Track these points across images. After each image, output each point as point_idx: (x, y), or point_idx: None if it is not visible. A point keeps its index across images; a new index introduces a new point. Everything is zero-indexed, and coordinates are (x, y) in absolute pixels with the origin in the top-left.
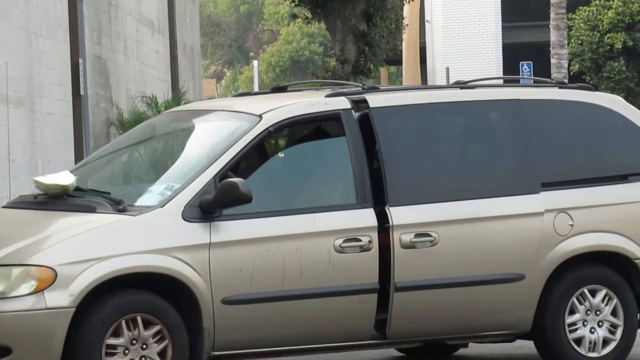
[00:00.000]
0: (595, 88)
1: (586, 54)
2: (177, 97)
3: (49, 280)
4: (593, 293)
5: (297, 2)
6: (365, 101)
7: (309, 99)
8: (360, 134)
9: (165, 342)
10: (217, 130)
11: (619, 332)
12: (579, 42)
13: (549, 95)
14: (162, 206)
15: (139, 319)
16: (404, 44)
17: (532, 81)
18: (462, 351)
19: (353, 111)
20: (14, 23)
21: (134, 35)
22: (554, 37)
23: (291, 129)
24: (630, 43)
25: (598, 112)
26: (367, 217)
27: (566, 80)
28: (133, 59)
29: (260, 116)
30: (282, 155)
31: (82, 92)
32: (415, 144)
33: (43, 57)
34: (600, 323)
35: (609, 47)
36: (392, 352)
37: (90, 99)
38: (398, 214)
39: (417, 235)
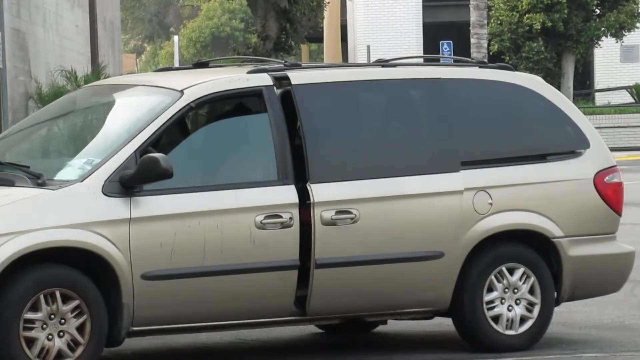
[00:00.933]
0: (515, 68)
1: (505, 34)
2: (96, 71)
3: None
4: (511, 271)
5: None
6: (287, 78)
7: (230, 75)
8: (282, 110)
9: (84, 317)
10: (138, 105)
11: (536, 310)
12: (499, 22)
13: (469, 74)
14: (82, 180)
15: (58, 294)
16: (325, 21)
17: (453, 60)
18: (380, 328)
19: (275, 88)
20: None
21: (53, 8)
22: (473, 16)
23: (213, 105)
24: (549, 24)
25: (518, 92)
26: (288, 193)
27: (486, 60)
28: (52, 32)
29: (181, 91)
30: (204, 131)
31: (0, 66)
32: (337, 121)
33: None
34: (518, 301)
35: (528, 28)
36: (312, 328)
37: (9, 72)
38: (319, 191)
39: (338, 212)
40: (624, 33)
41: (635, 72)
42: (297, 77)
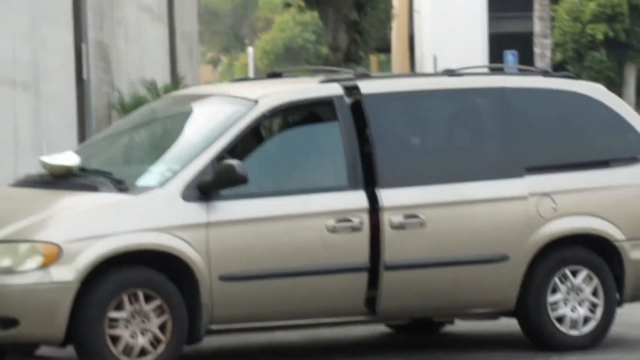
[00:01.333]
0: (578, 77)
1: (569, 44)
2: (175, 82)
3: (55, 256)
4: (574, 273)
5: None
6: (357, 88)
7: (303, 85)
8: (352, 119)
9: (165, 316)
10: (215, 114)
11: (599, 312)
12: (562, 32)
13: (533, 83)
14: (162, 186)
15: (140, 294)
16: (393, 33)
17: (517, 70)
18: (448, 328)
19: (345, 97)
20: (20, 9)
21: (134, 22)
22: (537, 27)
23: (286, 114)
24: (611, 34)
25: (581, 100)
26: (358, 198)
27: (549, 69)
28: (133, 45)
29: (256, 101)
30: (277, 138)
31: (84, 77)
32: (405, 129)
33: (47, 42)
34: (581, 302)
35: (590, 38)
36: (382, 328)
37: (93, 83)
38: (388, 196)
39: (406, 216)
40: None
41: None
42: (366, 86)
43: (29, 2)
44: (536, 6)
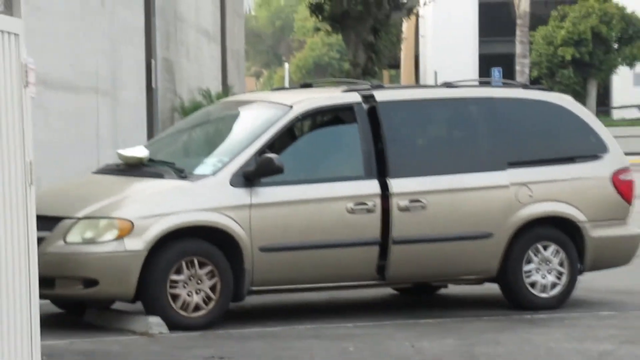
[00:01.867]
0: (550, 89)
1: (543, 63)
2: (226, 90)
3: (128, 229)
4: (545, 248)
5: (320, 19)
6: (373, 96)
7: (329, 94)
8: (369, 121)
9: (215, 279)
10: (257, 117)
11: (564, 279)
12: (538, 53)
13: (514, 94)
14: (214, 175)
15: (196, 261)
16: (402, 52)
17: (502, 83)
18: (442, 291)
19: (363, 104)
20: (103, 31)
21: (194, 42)
22: (518, 49)
23: (315, 117)
24: (578, 55)
25: (552, 108)
26: (372, 186)
27: (528, 83)
28: (192, 61)
29: (291, 106)
30: (307, 136)
31: (153, 86)
32: (411, 130)
33: (123, 59)
34: (550, 271)
35: (561, 58)
36: (389, 290)
37: (160, 91)
38: (396, 184)
39: (411, 201)
40: (636, 63)
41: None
42: (380, 95)
43: (110, 26)
44: (517, 32)
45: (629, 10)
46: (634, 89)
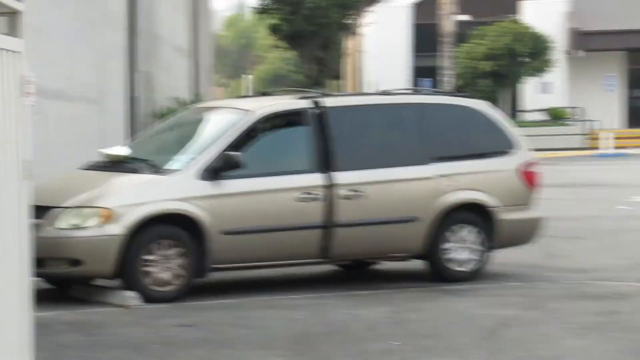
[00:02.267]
0: (471, 96)
1: (466, 74)
2: (196, 98)
3: (109, 217)
4: (462, 229)
5: (278, 38)
6: (321, 102)
7: (285, 100)
8: (318, 123)
9: (183, 258)
10: (223, 120)
11: (478, 255)
12: (461, 66)
13: (441, 100)
14: (184, 170)
15: (166, 243)
16: (347, 66)
17: (431, 91)
18: (376, 267)
19: (314, 109)
20: (95, 50)
21: (169, 58)
22: (445, 62)
23: (272, 120)
24: (495, 68)
25: (472, 112)
26: (318, 178)
27: (453, 91)
28: (168, 73)
29: (251, 111)
30: (266, 137)
31: (136, 95)
32: (353, 130)
33: (112, 72)
34: (466, 249)
35: (481, 71)
36: (331, 267)
37: (141, 100)
38: (339, 177)
39: (351, 190)
40: (542, 74)
41: (549, 100)
42: (328, 101)
43: (99, 45)
44: (444, 48)
45: (537, 30)
46: (541, 96)
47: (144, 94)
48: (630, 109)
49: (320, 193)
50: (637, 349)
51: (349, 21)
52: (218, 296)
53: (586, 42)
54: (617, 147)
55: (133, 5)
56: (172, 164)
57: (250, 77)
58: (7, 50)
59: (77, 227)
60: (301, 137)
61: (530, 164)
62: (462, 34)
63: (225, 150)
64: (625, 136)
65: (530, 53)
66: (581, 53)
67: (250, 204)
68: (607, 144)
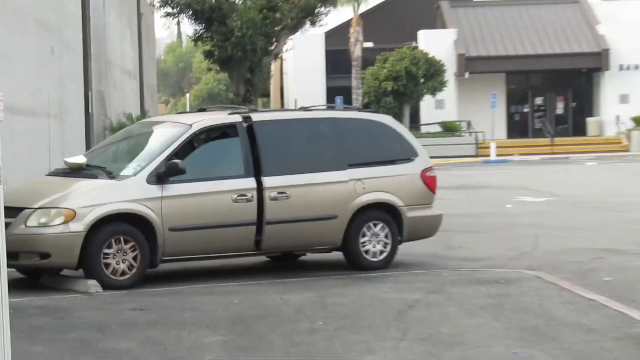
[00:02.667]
0: (377, 111)
1: (372, 93)
2: (143, 114)
3: (71, 216)
4: (375, 225)
5: (211, 61)
6: (250, 117)
7: (218, 115)
8: (247, 135)
9: (136, 251)
10: (166, 133)
11: (389, 247)
12: (368, 86)
13: (351, 115)
14: (135, 175)
15: (122, 239)
16: (271, 85)
17: (343, 107)
18: (302, 258)
19: (243, 122)
20: (53, 72)
21: (119, 79)
22: (354, 83)
23: (208, 132)
24: (396, 87)
25: (379, 125)
26: (250, 182)
27: (361, 107)
28: (119, 92)
29: (190, 125)
30: (203, 147)
31: (90, 111)
32: (278, 141)
33: (69, 91)
34: (378, 242)
35: (384, 90)
36: (263, 258)
37: (95, 116)
38: (268, 181)
39: (279, 193)
40: (435, 93)
41: (443, 114)
42: (256, 116)
43: (59, 67)
44: (353, 71)
45: (431, 55)
46: (435, 111)
47: (98, 111)
48: (509, 122)
49: (252, 195)
50: (523, 326)
51: (272, 47)
52: (167, 284)
53: (471, 66)
54: (499, 155)
55: (87, 34)
56: (124, 171)
57: (189, 95)
58: None
59: (45, 225)
60: (234, 147)
61: (430, 170)
62: (368, 58)
63: (169, 158)
64: (505, 145)
65: (425, 75)
66: (467, 75)
67: (193, 204)
68: (491, 152)
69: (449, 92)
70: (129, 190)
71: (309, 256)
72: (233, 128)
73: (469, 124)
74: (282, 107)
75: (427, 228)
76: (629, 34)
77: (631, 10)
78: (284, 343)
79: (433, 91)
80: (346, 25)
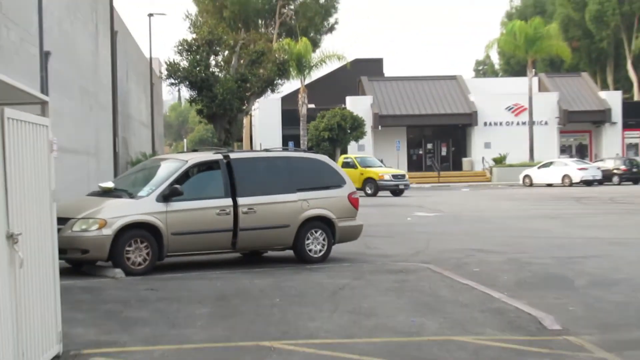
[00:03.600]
0: (317, 152)
1: (314, 139)
2: (154, 153)
3: (104, 224)
4: (316, 231)
5: (202, 116)
6: (228, 155)
7: (206, 154)
8: (227, 169)
9: (149, 249)
10: (170, 166)
11: (325, 247)
12: (312, 134)
13: (300, 154)
14: (148, 196)
15: (139, 240)
16: (244, 133)
17: (294, 149)
18: (265, 254)
19: (224, 159)
20: (91, 125)
21: (137, 128)
22: (301, 132)
23: (199, 166)
24: (331, 136)
25: (318, 162)
26: (229, 201)
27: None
28: (137, 137)
29: (187, 161)
30: (196, 176)
31: (117, 151)
32: (248, 172)
33: (102, 137)
34: (319, 243)
35: (322, 137)
36: (238, 254)
37: (121, 154)
38: (241, 201)
39: (249, 209)
40: (358, 140)
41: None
42: (233, 155)
43: (95, 120)
44: (301, 124)
45: (355, 113)
46: (358, 153)
47: (122, 150)
48: (409, 160)
49: (229, 210)
50: (419, 302)
51: (244, 107)
52: (171, 272)
53: (383, 121)
54: None
55: (115, 97)
56: (141, 193)
57: (186, 140)
58: (40, 125)
59: (85, 230)
60: (217, 176)
61: (354, 193)
62: (311, 115)
63: (172, 184)
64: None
65: (351, 127)
66: (380, 127)
67: (188, 216)
68: None
69: (368, 139)
70: (143, 207)
71: (270, 253)
72: (216, 163)
73: (382, 161)
74: (251, 149)
75: (352, 234)
76: (490, 101)
77: (492, 85)
78: (252, 313)
79: (356, 138)
80: (296, 92)
